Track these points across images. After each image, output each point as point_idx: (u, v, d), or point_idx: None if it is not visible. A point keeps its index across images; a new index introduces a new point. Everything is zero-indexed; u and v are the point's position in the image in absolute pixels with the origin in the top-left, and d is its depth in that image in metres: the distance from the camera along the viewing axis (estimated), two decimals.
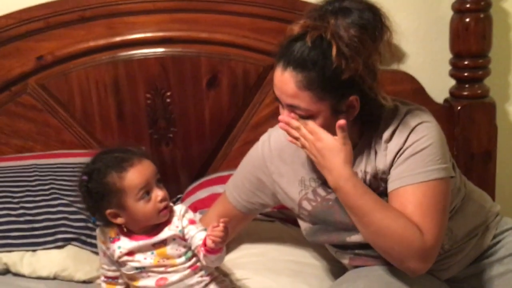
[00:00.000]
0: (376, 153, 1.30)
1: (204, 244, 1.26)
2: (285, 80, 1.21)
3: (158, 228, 1.31)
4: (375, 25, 1.20)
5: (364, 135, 1.32)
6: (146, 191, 1.28)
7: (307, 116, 1.23)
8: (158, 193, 1.29)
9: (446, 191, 1.27)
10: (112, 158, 1.29)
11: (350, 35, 1.17)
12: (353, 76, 1.18)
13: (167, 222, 1.31)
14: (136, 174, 1.27)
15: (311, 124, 1.22)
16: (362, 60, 1.17)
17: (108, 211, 1.29)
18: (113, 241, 1.32)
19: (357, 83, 1.20)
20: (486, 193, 1.51)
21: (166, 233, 1.30)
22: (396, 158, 1.27)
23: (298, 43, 1.20)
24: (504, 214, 1.50)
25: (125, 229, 1.32)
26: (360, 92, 1.22)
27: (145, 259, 1.30)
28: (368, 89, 1.22)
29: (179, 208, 1.33)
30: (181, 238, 1.31)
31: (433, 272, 1.38)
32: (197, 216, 1.52)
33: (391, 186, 1.27)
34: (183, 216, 1.32)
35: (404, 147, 1.26)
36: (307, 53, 1.18)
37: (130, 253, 1.31)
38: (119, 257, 1.31)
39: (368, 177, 1.31)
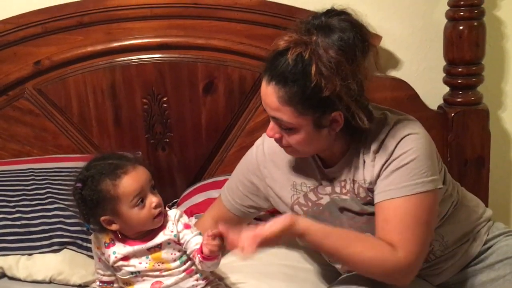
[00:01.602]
0: (364, 162, 1.30)
1: (201, 251, 1.27)
2: (268, 94, 1.23)
3: (152, 233, 1.31)
4: (355, 45, 1.18)
5: (352, 145, 1.32)
6: (141, 198, 1.28)
7: (290, 128, 1.24)
8: (153, 200, 1.29)
9: (431, 204, 1.26)
10: (106, 165, 1.29)
11: (329, 56, 1.17)
12: (333, 94, 1.18)
13: (162, 226, 1.32)
14: (130, 181, 1.27)
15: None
16: (339, 81, 1.17)
17: (103, 218, 1.29)
18: (108, 246, 1.32)
19: (337, 101, 1.20)
20: (479, 199, 1.52)
21: (161, 237, 1.31)
22: (382, 170, 1.27)
23: (282, 58, 1.20)
24: (497, 219, 1.51)
25: (119, 235, 1.32)
26: (343, 109, 1.22)
27: (140, 263, 1.31)
28: (346, 109, 1.21)
29: (173, 213, 1.34)
30: (176, 243, 1.31)
31: (425, 277, 1.40)
32: (193, 220, 1.54)
33: (377, 198, 1.27)
34: (178, 220, 1.32)
35: (391, 159, 1.26)
36: (289, 69, 1.19)
37: (125, 258, 1.31)
38: (114, 262, 1.31)
39: (356, 186, 1.32)
